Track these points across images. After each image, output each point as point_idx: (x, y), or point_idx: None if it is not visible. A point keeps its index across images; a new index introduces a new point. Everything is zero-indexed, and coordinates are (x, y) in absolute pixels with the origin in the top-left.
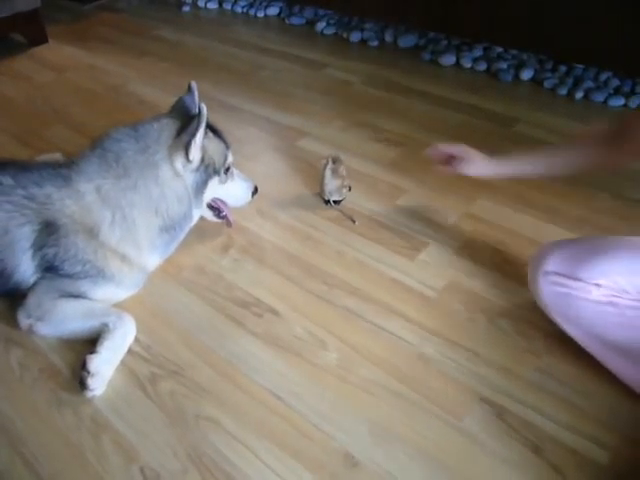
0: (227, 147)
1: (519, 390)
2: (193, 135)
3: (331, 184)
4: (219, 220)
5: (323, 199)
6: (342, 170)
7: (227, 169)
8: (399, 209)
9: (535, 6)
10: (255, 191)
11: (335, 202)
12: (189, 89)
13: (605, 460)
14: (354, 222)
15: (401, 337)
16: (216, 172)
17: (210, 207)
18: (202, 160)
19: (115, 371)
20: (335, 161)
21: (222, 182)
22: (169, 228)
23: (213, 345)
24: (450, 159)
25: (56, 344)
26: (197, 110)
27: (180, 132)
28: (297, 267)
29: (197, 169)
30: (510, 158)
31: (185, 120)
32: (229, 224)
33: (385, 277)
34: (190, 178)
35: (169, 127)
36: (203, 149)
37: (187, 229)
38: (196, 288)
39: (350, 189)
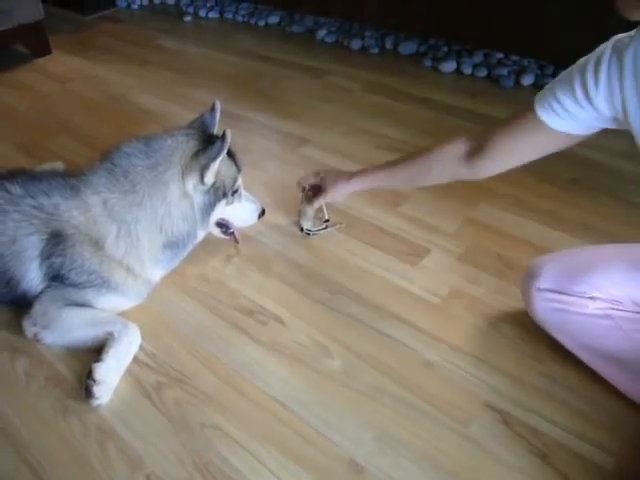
0: (239, 170)
1: (524, 396)
2: (213, 159)
3: (306, 213)
4: (226, 237)
5: (299, 227)
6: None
7: (235, 191)
8: (401, 216)
9: (535, 12)
10: (262, 213)
11: (309, 232)
12: (212, 108)
13: (610, 465)
14: (341, 225)
15: (405, 344)
16: (224, 195)
17: (218, 224)
18: (214, 183)
19: (120, 379)
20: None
21: (229, 204)
22: (172, 245)
23: (217, 353)
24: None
25: (62, 353)
26: (216, 131)
27: (197, 152)
28: (300, 275)
29: (207, 191)
30: (366, 174)
31: (202, 139)
32: (236, 241)
33: (388, 284)
34: (199, 199)
35: (184, 145)
36: (217, 172)
37: (191, 247)
38: (200, 296)
39: (328, 221)
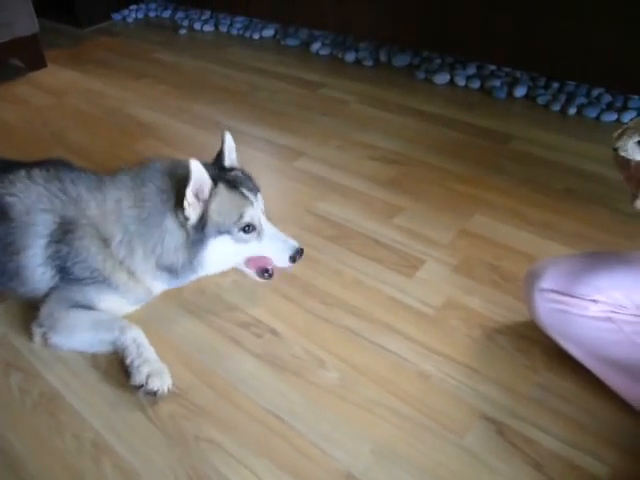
0: (250, 203)
1: (519, 406)
2: (184, 195)
3: None
4: (262, 279)
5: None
6: None
7: (246, 228)
8: (396, 227)
9: (527, 24)
10: (298, 254)
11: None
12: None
13: (606, 475)
14: None
15: (400, 355)
16: (222, 232)
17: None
18: (201, 218)
19: (115, 395)
20: None
21: (240, 241)
22: (168, 269)
23: (213, 366)
24: None
25: (55, 367)
26: (229, 162)
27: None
28: (296, 287)
29: (196, 227)
30: None
31: (210, 171)
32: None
33: (383, 295)
34: (191, 234)
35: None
36: (204, 207)
37: (194, 277)
38: (196, 309)
39: None
